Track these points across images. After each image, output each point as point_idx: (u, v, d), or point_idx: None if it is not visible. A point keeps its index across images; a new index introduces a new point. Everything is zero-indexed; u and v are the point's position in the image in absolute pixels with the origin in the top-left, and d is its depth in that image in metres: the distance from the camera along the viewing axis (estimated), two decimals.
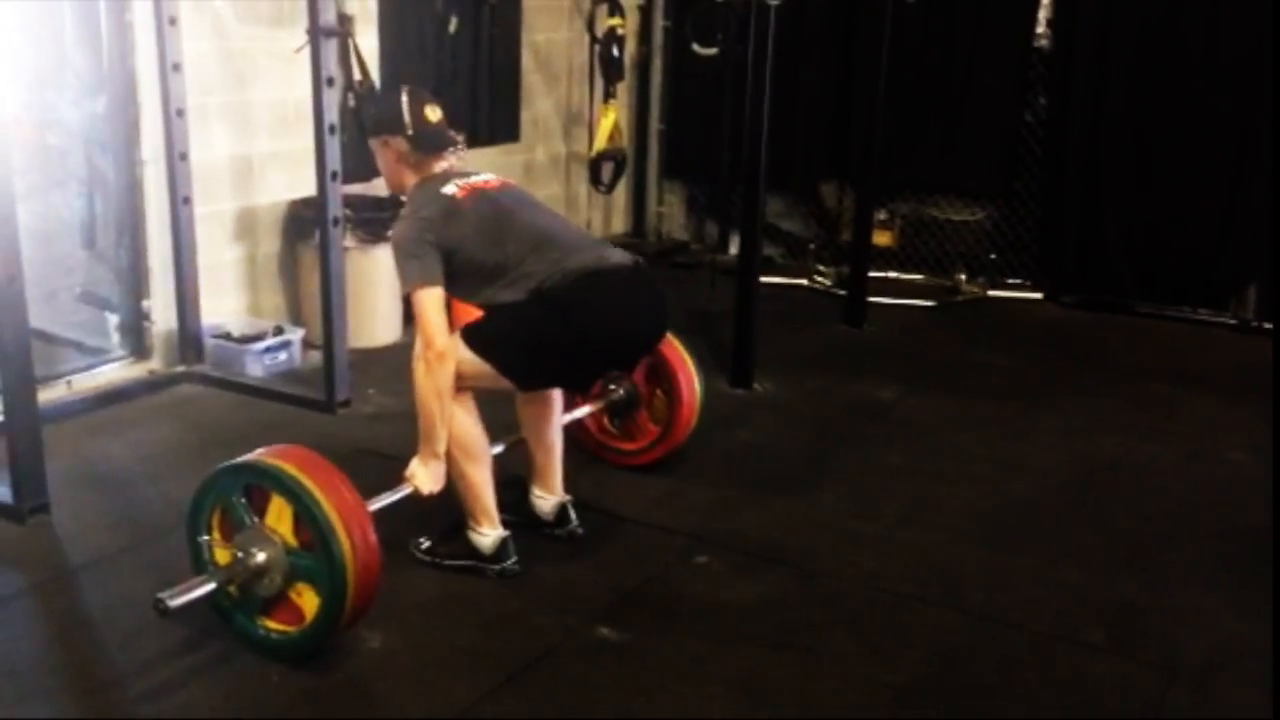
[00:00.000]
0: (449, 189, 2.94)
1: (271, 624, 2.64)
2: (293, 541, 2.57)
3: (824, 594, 3.04)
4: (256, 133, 4.62)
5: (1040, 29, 5.75)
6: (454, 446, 2.95)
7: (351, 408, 4.17)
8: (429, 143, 2.99)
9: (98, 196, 4.32)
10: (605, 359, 3.14)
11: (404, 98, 2.99)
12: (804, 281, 6.14)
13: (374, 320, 4.78)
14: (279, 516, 2.59)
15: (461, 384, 2.90)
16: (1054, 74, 5.72)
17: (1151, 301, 5.62)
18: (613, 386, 3.66)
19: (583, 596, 2.98)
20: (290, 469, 2.56)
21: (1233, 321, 5.45)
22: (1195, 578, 3.16)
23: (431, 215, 2.88)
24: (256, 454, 2.65)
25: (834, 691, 2.60)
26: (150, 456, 3.75)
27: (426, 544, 3.13)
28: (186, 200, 4.28)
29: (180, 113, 4.19)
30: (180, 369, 4.42)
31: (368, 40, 4.92)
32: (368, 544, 2.55)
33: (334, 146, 3.90)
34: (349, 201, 4.30)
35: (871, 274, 5.57)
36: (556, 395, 3.26)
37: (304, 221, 4.63)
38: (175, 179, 4.24)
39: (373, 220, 4.67)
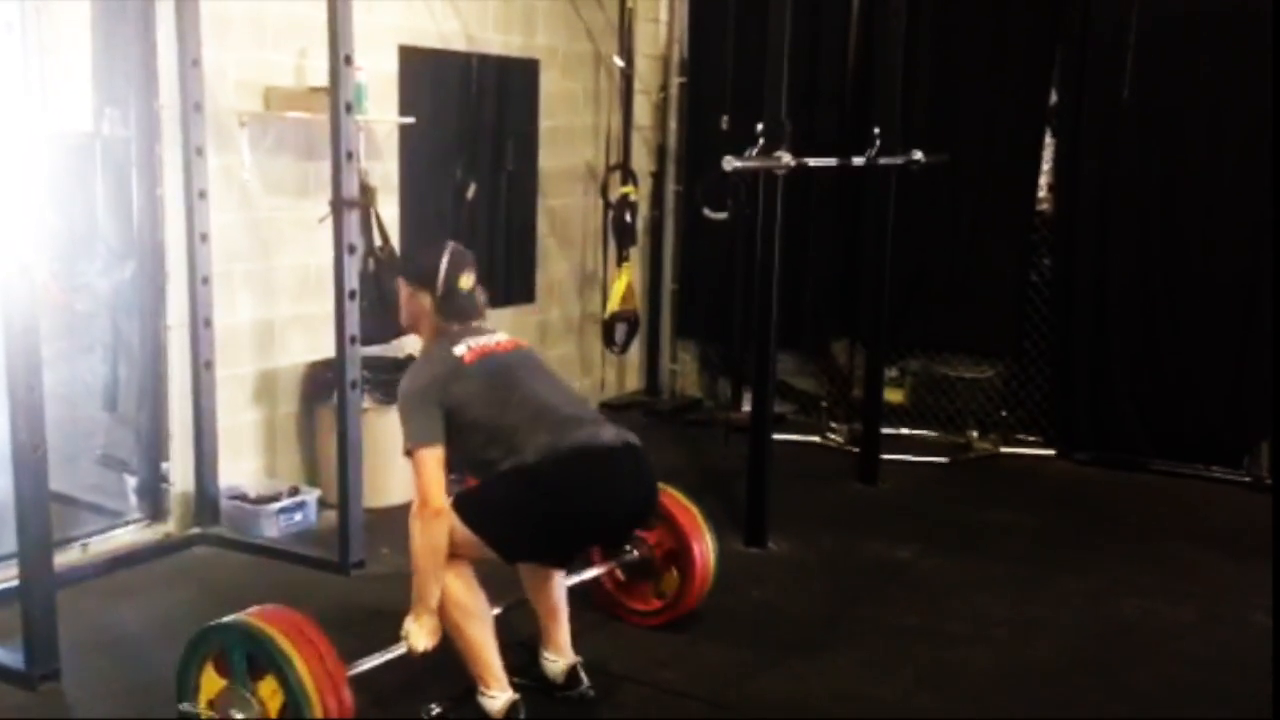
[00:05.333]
0: (460, 349, 3.02)
1: None
2: None
3: None
4: (278, 298, 4.74)
5: (1042, 193, 5.91)
6: (452, 607, 2.96)
7: (366, 568, 4.16)
8: (453, 309, 3.08)
9: (122, 361, 4.41)
10: (589, 537, 3.19)
11: (445, 258, 3.06)
12: (817, 439, 6.16)
13: (389, 480, 4.80)
14: (273, 695, 2.64)
15: (453, 551, 2.94)
16: (1057, 237, 5.85)
17: (1165, 459, 5.60)
18: (629, 549, 3.67)
19: None
20: (303, 671, 2.63)
21: (1247, 479, 5.43)
22: None
23: (438, 374, 2.97)
24: (276, 628, 2.70)
25: None
26: (162, 622, 3.73)
27: (437, 710, 3.09)
28: (208, 364, 4.36)
29: (206, 280, 4.32)
30: (196, 531, 4.44)
31: (389, 209, 5.09)
32: None
33: (354, 311, 4.00)
34: (367, 364, 4.38)
35: (884, 431, 5.60)
36: None
37: (322, 383, 4.71)
38: (198, 344, 4.34)
39: (390, 382, 4.72)
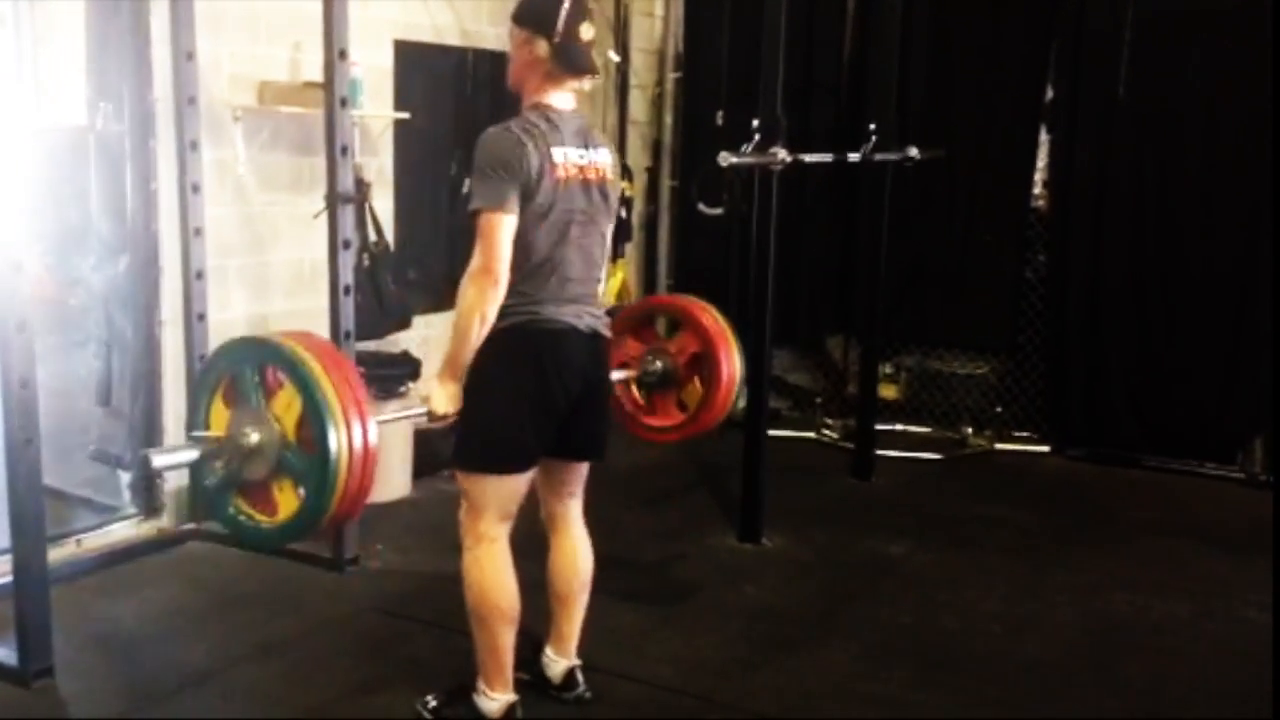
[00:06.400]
0: (560, 154, 2.78)
1: (243, 506, 2.55)
2: (292, 436, 2.47)
3: None
4: (273, 292, 4.73)
5: (1037, 190, 5.91)
6: (484, 604, 2.92)
7: (360, 565, 4.16)
8: (570, 60, 2.80)
9: (116, 355, 4.40)
10: (547, 389, 2.88)
11: (567, 1, 2.77)
12: (811, 435, 6.16)
13: (383, 476, 4.77)
14: (287, 407, 2.48)
15: (487, 512, 2.90)
16: (1052, 233, 5.85)
17: (1159, 455, 5.61)
18: (650, 359, 3.60)
19: None
20: (319, 374, 2.44)
21: (1240, 475, 5.45)
22: None
23: (530, 163, 2.72)
24: (291, 339, 2.55)
25: None
26: (157, 617, 3.72)
27: (433, 703, 3.09)
28: (203, 359, 4.34)
29: (200, 275, 4.30)
30: (189, 526, 4.42)
31: (384, 203, 5.08)
32: (365, 473, 2.48)
33: (348, 306, 3.99)
34: (362, 359, 4.37)
35: (878, 427, 5.60)
36: (586, 551, 3.18)
37: None
38: (192, 338, 4.32)
39: (385, 377, 4.73)
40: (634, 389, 3.64)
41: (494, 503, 2.92)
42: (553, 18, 2.76)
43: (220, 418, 2.57)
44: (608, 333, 3.04)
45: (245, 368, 2.55)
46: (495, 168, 2.72)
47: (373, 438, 2.52)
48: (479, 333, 2.75)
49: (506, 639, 2.97)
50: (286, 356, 2.49)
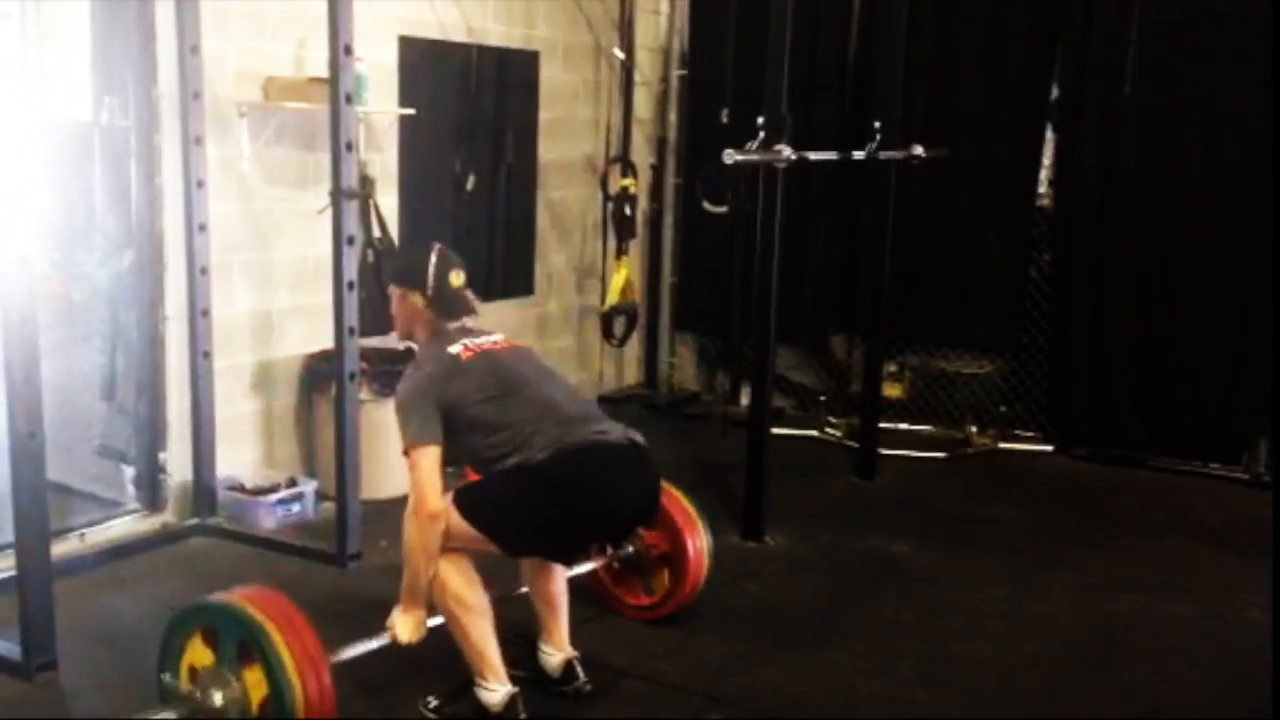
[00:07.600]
0: (455, 348, 3.04)
1: None
2: (254, 711, 2.63)
3: None
4: (277, 288, 4.73)
5: (1042, 189, 5.90)
6: (450, 601, 2.97)
7: (363, 560, 4.16)
8: (446, 306, 3.11)
9: (120, 351, 4.41)
10: (592, 533, 3.20)
11: (433, 256, 3.10)
12: (815, 433, 6.16)
13: (388, 472, 4.78)
14: (257, 685, 2.63)
15: (451, 545, 2.94)
16: (1057, 232, 5.84)
17: (1163, 455, 5.60)
18: (625, 543, 3.65)
19: None
20: (294, 675, 2.60)
21: (1245, 476, 5.43)
22: None
23: (434, 373, 2.99)
24: (273, 624, 2.67)
25: None
26: (160, 613, 3.70)
27: (434, 703, 3.10)
28: (206, 355, 4.36)
29: (204, 270, 4.31)
30: (193, 521, 4.43)
31: (388, 200, 5.08)
32: None
33: (352, 302, 3.99)
34: (365, 355, 4.38)
35: (882, 425, 5.59)
36: None
37: (320, 374, 4.70)
38: (196, 334, 4.33)
39: (388, 373, 4.73)
40: (615, 565, 3.71)
41: (473, 546, 2.97)
42: (423, 274, 3.09)
43: (197, 654, 2.75)
44: (642, 440, 3.11)
45: (227, 635, 2.70)
46: (408, 403, 2.95)
47: None
48: (427, 564, 2.91)
49: (483, 631, 3.00)
50: (266, 652, 2.63)
